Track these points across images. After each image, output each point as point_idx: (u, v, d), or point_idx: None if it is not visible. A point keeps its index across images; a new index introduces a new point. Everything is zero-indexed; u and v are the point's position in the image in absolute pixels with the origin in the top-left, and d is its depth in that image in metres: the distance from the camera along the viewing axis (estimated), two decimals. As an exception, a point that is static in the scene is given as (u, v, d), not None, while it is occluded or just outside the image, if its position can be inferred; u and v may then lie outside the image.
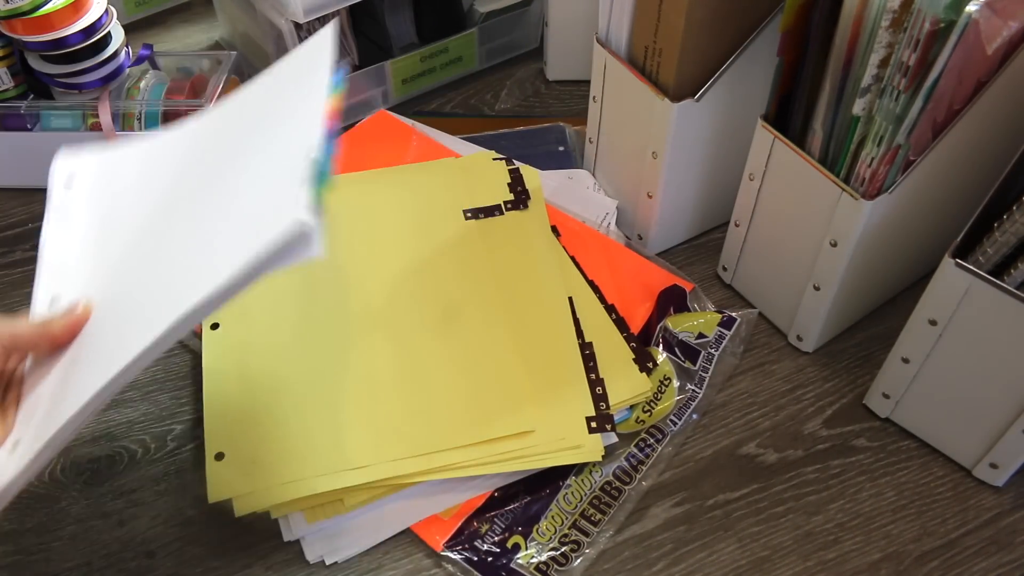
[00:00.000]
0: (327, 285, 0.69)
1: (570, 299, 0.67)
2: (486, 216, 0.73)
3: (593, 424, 0.60)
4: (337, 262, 0.70)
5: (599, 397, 0.62)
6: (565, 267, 0.70)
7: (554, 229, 0.73)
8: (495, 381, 0.62)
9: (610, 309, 0.67)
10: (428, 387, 0.62)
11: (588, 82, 0.73)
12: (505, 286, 0.68)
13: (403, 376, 0.63)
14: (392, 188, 0.76)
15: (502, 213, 0.73)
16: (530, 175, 0.76)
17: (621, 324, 0.66)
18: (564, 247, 0.72)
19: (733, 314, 0.68)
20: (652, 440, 0.62)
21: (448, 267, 0.69)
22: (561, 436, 0.60)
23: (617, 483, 0.60)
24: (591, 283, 0.69)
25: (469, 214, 0.73)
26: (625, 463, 0.61)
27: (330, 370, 0.63)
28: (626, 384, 0.63)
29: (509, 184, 0.75)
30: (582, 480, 0.60)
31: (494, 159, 0.78)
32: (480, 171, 0.77)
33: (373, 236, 0.72)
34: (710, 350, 0.66)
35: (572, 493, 0.59)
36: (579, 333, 0.65)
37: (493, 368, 0.63)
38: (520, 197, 0.74)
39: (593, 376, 0.63)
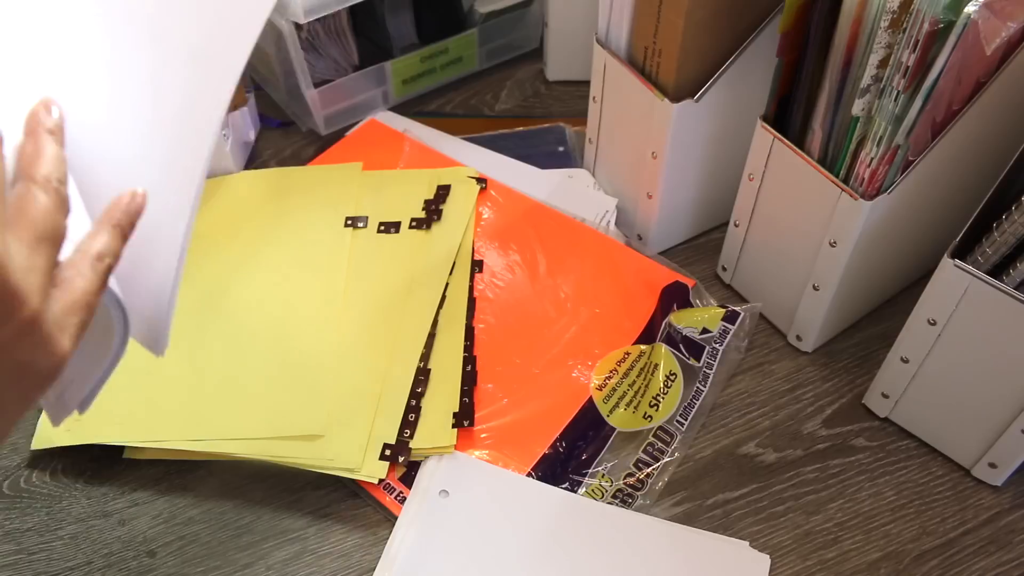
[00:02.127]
0: (199, 273, 0.71)
1: (432, 333, 0.66)
2: (384, 231, 0.73)
3: (387, 452, 0.59)
4: (212, 252, 0.73)
5: (408, 424, 0.61)
6: (452, 302, 0.68)
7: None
8: (304, 381, 0.64)
9: (468, 360, 0.65)
10: (240, 377, 0.64)
11: (588, 82, 0.73)
12: (357, 299, 0.69)
13: (224, 362, 0.65)
14: (285, 190, 0.78)
15: (397, 231, 0.73)
16: (464, 195, 0.75)
17: (469, 377, 0.64)
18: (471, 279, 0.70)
19: (736, 308, 0.68)
20: (660, 443, 0.62)
21: (302, 271, 0.71)
22: (349, 450, 0.60)
23: (630, 489, 0.60)
24: (470, 328, 0.67)
25: (349, 222, 0.73)
26: (634, 468, 0.61)
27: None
28: (431, 432, 0.61)
29: (428, 201, 0.75)
30: (592, 491, 0.60)
31: (468, 176, 0.77)
32: (403, 185, 0.77)
33: (247, 231, 0.74)
34: (714, 345, 0.66)
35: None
36: (424, 357, 0.65)
37: (305, 369, 0.64)
38: (430, 217, 0.73)
39: (414, 403, 0.62)
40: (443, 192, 0.75)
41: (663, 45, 0.63)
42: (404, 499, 0.59)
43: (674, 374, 0.64)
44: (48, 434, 0.62)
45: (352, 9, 0.82)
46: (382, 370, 0.64)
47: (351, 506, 0.60)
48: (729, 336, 0.66)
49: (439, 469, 0.59)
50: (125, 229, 0.38)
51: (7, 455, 0.63)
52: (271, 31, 0.79)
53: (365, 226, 0.74)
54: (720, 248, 0.73)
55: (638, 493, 0.59)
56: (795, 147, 0.60)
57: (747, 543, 0.57)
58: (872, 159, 0.55)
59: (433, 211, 0.74)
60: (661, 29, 0.62)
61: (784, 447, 0.63)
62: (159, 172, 0.40)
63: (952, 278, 0.53)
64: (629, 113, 0.69)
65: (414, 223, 0.73)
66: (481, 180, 0.77)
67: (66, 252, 0.36)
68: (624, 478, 0.60)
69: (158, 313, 0.41)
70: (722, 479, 0.61)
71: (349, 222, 0.74)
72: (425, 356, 0.65)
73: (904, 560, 0.57)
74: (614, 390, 0.64)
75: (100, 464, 0.62)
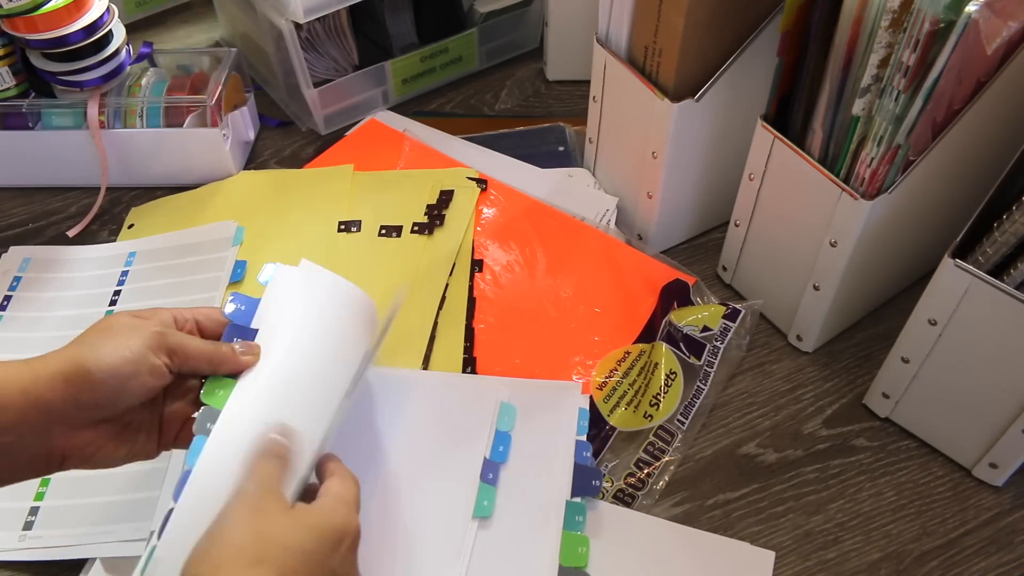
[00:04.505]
0: None
1: (432, 334, 0.66)
2: (385, 235, 0.73)
3: None
4: None
5: None
6: (452, 302, 0.68)
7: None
8: None
9: (468, 360, 0.65)
10: None
11: (588, 82, 0.73)
12: None
13: None
14: (280, 193, 0.78)
15: (399, 236, 0.73)
16: (465, 200, 0.75)
17: (470, 363, 0.65)
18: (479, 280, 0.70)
19: (737, 306, 0.68)
20: (661, 443, 0.62)
21: None
22: None
23: (631, 489, 0.60)
24: (470, 328, 0.67)
25: (342, 227, 0.74)
26: (635, 468, 0.61)
27: None
28: None
29: (431, 206, 0.75)
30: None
31: (467, 177, 0.77)
32: (405, 188, 0.76)
33: (244, 235, 0.74)
34: (715, 343, 0.66)
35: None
36: (425, 359, 0.65)
37: None
38: (432, 223, 0.73)
39: None
40: (446, 197, 0.75)
41: (663, 45, 0.62)
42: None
43: (674, 373, 0.64)
44: None
45: (352, 9, 0.82)
46: None
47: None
48: (730, 334, 0.66)
49: None
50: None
51: None
52: (271, 30, 0.79)
53: (359, 230, 0.74)
54: (720, 248, 0.72)
55: (639, 493, 0.59)
56: (795, 147, 0.59)
57: (748, 543, 0.57)
58: (873, 159, 0.55)
59: (436, 216, 0.74)
60: (661, 29, 0.62)
61: (784, 447, 0.63)
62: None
63: (953, 278, 0.53)
64: (629, 113, 0.69)
65: (416, 228, 0.73)
66: (481, 181, 0.77)
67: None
68: (625, 478, 0.60)
69: None
70: (722, 479, 0.61)
71: (343, 227, 0.74)
72: (426, 358, 0.65)
73: (905, 560, 0.57)
74: (614, 389, 0.64)
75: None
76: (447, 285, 0.69)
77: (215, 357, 0.49)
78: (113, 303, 0.71)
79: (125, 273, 0.73)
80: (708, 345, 0.65)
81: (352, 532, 0.44)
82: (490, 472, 0.58)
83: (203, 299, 0.70)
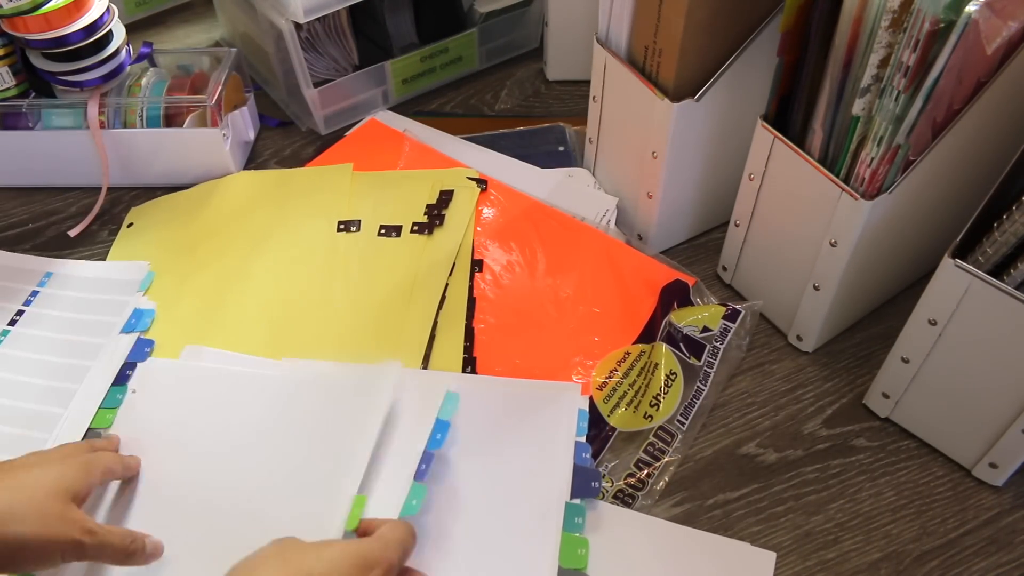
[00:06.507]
0: (199, 278, 0.73)
1: (432, 334, 0.66)
2: (385, 235, 0.73)
3: None
4: (211, 257, 0.74)
5: None
6: (452, 302, 0.68)
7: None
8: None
9: (468, 360, 0.65)
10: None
11: (588, 82, 0.73)
12: (357, 301, 0.69)
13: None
14: (280, 192, 0.78)
15: (399, 235, 0.73)
16: (465, 200, 0.75)
17: (470, 363, 0.65)
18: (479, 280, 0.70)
19: (737, 306, 0.68)
20: (661, 443, 0.62)
21: (297, 276, 0.71)
22: None
23: (630, 490, 0.60)
24: (470, 328, 0.67)
25: (342, 226, 0.74)
26: (635, 468, 0.61)
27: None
28: None
29: (430, 206, 0.75)
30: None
31: (468, 177, 0.77)
32: (404, 187, 0.76)
33: (243, 235, 0.75)
34: (715, 344, 0.66)
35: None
36: (425, 359, 0.65)
37: None
38: (432, 223, 0.73)
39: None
40: (446, 197, 0.75)
41: (663, 45, 0.62)
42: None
43: (674, 373, 0.64)
44: None
45: (352, 9, 0.82)
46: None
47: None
48: (730, 335, 0.66)
49: None
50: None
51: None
52: (271, 30, 0.79)
53: (358, 230, 0.74)
54: (720, 248, 0.72)
55: (639, 493, 0.59)
56: (795, 147, 0.59)
57: (748, 543, 0.57)
58: (873, 159, 0.55)
59: (436, 216, 0.74)
60: (661, 29, 0.62)
61: (784, 447, 0.63)
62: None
63: (953, 278, 0.53)
64: (629, 113, 0.69)
65: (416, 227, 0.73)
66: (481, 181, 0.77)
67: None
68: (625, 478, 0.60)
69: None
70: (722, 479, 0.61)
71: (342, 226, 0.74)
72: (426, 357, 0.65)
73: (905, 560, 0.57)
74: (614, 390, 0.64)
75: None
76: (447, 285, 0.70)
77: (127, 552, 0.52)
78: (12, 323, 0.69)
79: (35, 293, 0.72)
80: (708, 345, 0.65)
81: (384, 564, 0.47)
82: (423, 463, 0.55)
83: (92, 345, 0.66)
